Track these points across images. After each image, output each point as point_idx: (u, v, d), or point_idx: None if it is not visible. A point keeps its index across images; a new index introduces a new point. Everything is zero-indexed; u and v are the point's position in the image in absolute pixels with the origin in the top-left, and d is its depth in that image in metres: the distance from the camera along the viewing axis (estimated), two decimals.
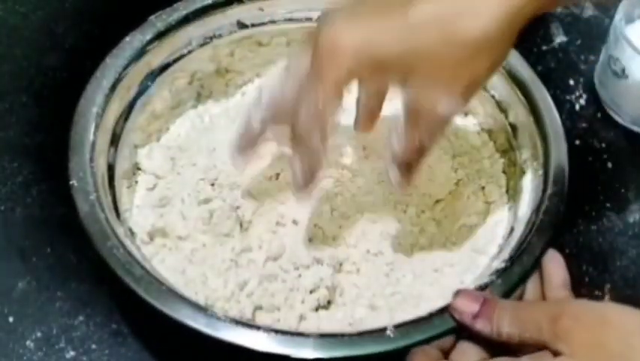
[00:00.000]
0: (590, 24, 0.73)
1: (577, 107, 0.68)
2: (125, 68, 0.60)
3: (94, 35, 0.69)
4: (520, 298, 0.52)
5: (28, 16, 0.71)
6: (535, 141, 0.58)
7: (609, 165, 0.65)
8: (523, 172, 0.59)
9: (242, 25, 0.65)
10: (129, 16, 0.62)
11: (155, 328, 0.53)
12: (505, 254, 0.53)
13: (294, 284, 0.55)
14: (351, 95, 0.54)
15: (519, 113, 0.60)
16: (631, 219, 0.62)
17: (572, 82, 0.69)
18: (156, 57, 0.62)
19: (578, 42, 0.72)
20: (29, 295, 0.56)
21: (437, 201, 0.60)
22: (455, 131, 0.64)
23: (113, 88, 0.59)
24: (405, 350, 0.48)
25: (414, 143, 0.50)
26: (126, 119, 0.60)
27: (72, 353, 0.54)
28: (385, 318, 0.54)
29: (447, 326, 0.49)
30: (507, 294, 0.51)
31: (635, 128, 0.66)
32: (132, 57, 0.60)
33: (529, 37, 0.71)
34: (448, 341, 0.49)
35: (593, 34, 0.72)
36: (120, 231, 0.53)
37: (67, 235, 0.58)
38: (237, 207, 0.58)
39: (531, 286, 0.53)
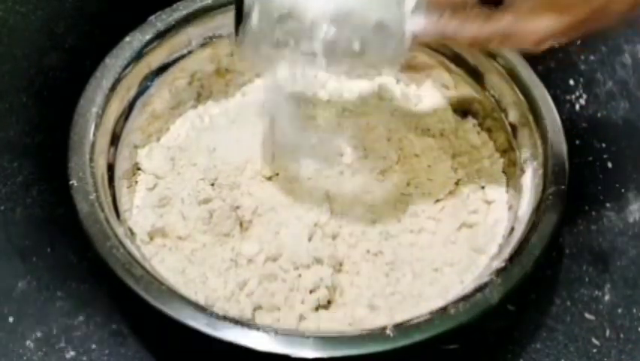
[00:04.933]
0: None
1: (577, 107, 0.68)
2: (125, 68, 0.60)
3: (94, 35, 0.69)
4: None
5: (28, 16, 0.71)
6: (535, 141, 0.58)
7: (609, 165, 0.65)
8: (523, 172, 0.59)
9: None
10: (129, 16, 0.62)
11: (155, 328, 0.53)
12: (505, 254, 0.53)
13: (294, 284, 0.55)
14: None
15: (519, 113, 0.60)
16: (631, 219, 0.62)
17: (572, 82, 0.69)
18: (156, 57, 0.62)
19: (578, 42, 0.71)
20: (29, 295, 0.56)
21: (437, 201, 0.61)
22: (455, 131, 0.64)
23: (113, 88, 0.59)
24: (405, 350, 0.48)
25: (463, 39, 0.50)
26: (126, 119, 0.60)
27: (72, 353, 0.54)
28: (385, 318, 0.54)
29: (447, 325, 0.49)
30: (507, 294, 0.51)
31: None
32: (132, 57, 0.60)
33: None
34: None
35: (593, 34, 0.72)
36: (120, 231, 0.53)
37: (67, 235, 0.58)
38: (237, 207, 0.58)
39: None
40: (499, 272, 0.51)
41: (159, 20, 0.62)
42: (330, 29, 0.49)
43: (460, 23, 0.49)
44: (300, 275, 0.56)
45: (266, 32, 0.50)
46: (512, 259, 0.52)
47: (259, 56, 0.52)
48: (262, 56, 0.52)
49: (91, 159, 0.55)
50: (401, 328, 0.49)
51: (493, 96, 0.63)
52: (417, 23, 0.50)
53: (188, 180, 0.60)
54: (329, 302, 0.55)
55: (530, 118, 0.59)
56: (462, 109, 0.66)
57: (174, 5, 0.63)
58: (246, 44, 0.52)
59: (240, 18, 0.51)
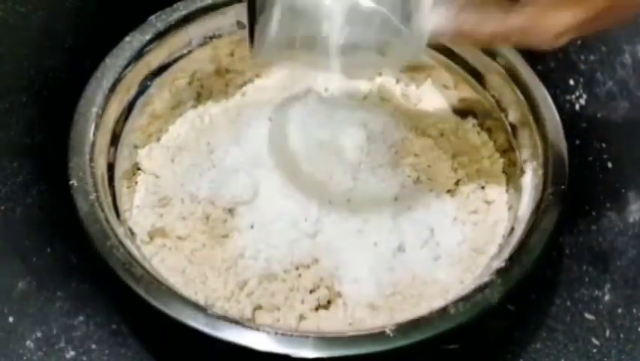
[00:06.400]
0: None
1: (577, 107, 0.68)
2: (125, 68, 0.60)
3: (94, 35, 0.69)
4: None
5: (28, 16, 0.71)
6: (535, 141, 0.58)
7: (609, 165, 0.65)
8: (523, 172, 0.59)
9: (242, 25, 0.65)
10: (129, 16, 0.62)
11: (155, 328, 0.53)
12: (505, 254, 0.53)
13: (294, 284, 0.55)
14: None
15: (519, 113, 0.61)
16: (631, 219, 0.62)
17: (572, 82, 0.69)
18: (156, 57, 0.62)
19: (578, 42, 0.71)
20: (29, 295, 0.56)
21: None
22: (455, 131, 0.64)
23: (113, 88, 0.59)
24: (405, 350, 0.48)
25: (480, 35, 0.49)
26: (126, 119, 0.60)
27: (72, 353, 0.54)
28: (385, 318, 0.54)
29: (447, 325, 0.49)
30: (507, 294, 0.51)
31: None
32: (132, 57, 0.60)
33: None
34: None
35: (593, 34, 0.72)
36: (120, 231, 0.53)
37: (67, 235, 0.58)
38: (237, 208, 0.58)
39: None
40: (499, 272, 0.51)
41: (159, 20, 0.62)
42: (349, 30, 0.48)
43: (480, 18, 0.49)
44: (300, 275, 0.56)
45: (285, 39, 0.50)
46: (512, 259, 0.52)
47: (276, 60, 0.52)
48: (280, 59, 0.52)
49: (91, 159, 0.55)
50: (401, 328, 0.49)
51: (493, 96, 0.63)
52: (435, 20, 0.49)
53: (188, 181, 0.60)
54: (329, 302, 0.55)
55: (530, 118, 0.59)
56: (462, 109, 0.66)
57: (174, 5, 0.63)
58: (264, 52, 0.52)
59: (253, 29, 0.51)
